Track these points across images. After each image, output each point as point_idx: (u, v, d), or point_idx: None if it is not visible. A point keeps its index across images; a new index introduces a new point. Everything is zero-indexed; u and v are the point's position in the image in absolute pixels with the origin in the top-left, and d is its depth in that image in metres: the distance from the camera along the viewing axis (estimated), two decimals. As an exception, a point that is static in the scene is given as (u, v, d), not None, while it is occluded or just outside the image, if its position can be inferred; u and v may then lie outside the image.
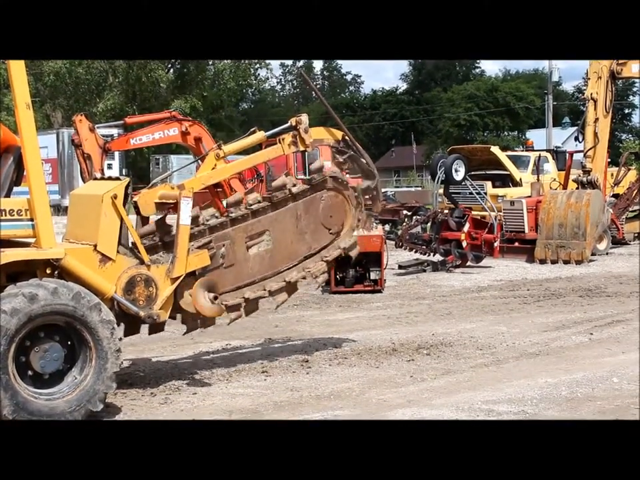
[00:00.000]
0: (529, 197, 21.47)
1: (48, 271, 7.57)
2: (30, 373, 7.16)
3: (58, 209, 30.01)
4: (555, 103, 58.07)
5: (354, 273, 15.19)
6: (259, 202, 9.21)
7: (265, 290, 9.28)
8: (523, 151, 30.87)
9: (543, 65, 75.33)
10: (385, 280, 15.55)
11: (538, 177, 23.80)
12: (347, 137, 10.05)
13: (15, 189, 8.21)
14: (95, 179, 10.55)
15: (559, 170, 24.86)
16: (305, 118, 9.59)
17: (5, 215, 7.42)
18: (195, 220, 8.77)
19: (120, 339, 7.57)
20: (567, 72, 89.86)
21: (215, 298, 8.61)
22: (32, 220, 7.50)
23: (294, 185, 9.38)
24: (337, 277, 15.09)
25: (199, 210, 8.96)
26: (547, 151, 28.60)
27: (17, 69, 7.34)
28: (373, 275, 15.22)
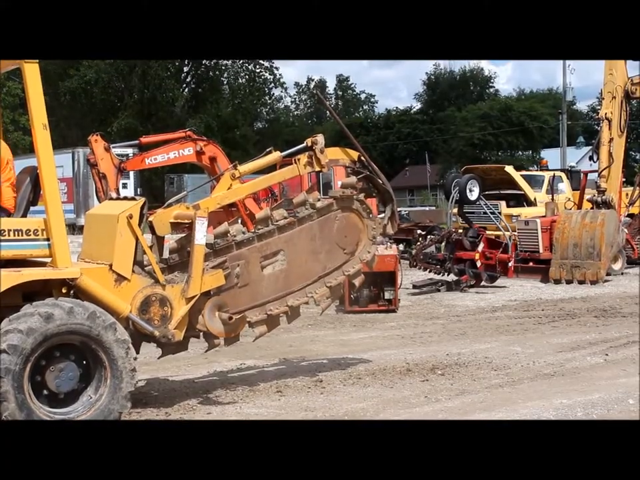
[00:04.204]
0: (544, 216, 21.45)
1: (64, 291, 7.60)
2: (45, 392, 7.20)
3: (73, 228, 30.13)
4: (569, 123, 58.16)
5: (368, 293, 15.17)
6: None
7: (307, 296, 9.44)
8: (537, 170, 30.81)
9: (557, 84, 75.23)
10: (399, 299, 15.54)
11: (552, 196, 23.77)
12: (362, 157, 10.04)
13: (32, 208, 8.26)
14: (111, 198, 10.59)
15: (573, 190, 24.81)
16: (320, 138, 9.59)
17: (22, 235, 7.46)
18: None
19: (135, 359, 7.59)
20: (581, 91, 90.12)
21: (230, 318, 8.62)
22: (48, 240, 7.54)
23: (284, 218, 9.35)
24: (351, 296, 15.07)
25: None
26: (562, 170, 28.57)
27: (32, 75, 7.40)
28: (387, 295, 15.20)
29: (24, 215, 8.07)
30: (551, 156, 51.44)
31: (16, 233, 7.46)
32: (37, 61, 7.49)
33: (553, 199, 23.38)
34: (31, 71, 7.45)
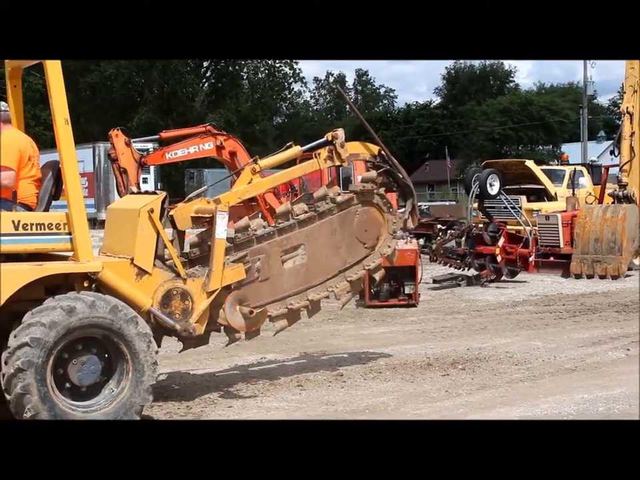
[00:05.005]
0: (564, 211, 21.35)
1: (85, 284, 7.62)
2: (68, 385, 7.23)
3: (94, 223, 30.25)
4: (590, 117, 57.81)
5: (388, 287, 15.16)
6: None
7: (327, 291, 9.46)
8: (557, 165, 30.67)
9: (577, 78, 74.86)
10: (419, 294, 15.54)
11: (573, 191, 23.65)
12: (383, 152, 10.04)
13: (54, 202, 8.31)
14: (132, 193, 10.62)
15: (594, 184, 24.69)
16: (341, 133, 9.58)
17: (44, 229, 7.51)
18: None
19: (156, 352, 7.61)
20: (602, 85, 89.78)
21: (250, 312, 8.64)
22: (70, 234, 7.57)
23: (304, 212, 9.35)
24: (372, 291, 15.08)
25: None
26: (582, 165, 28.43)
27: (54, 70, 7.45)
28: (407, 289, 15.20)
29: (46, 210, 8.12)
30: (571, 150, 51.19)
31: (38, 227, 7.50)
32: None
33: (573, 194, 23.25)
34: (53, 67, 7.48)
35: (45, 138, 42.91)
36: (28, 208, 7.98)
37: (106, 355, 7.41)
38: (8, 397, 7.01)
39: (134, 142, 14.31)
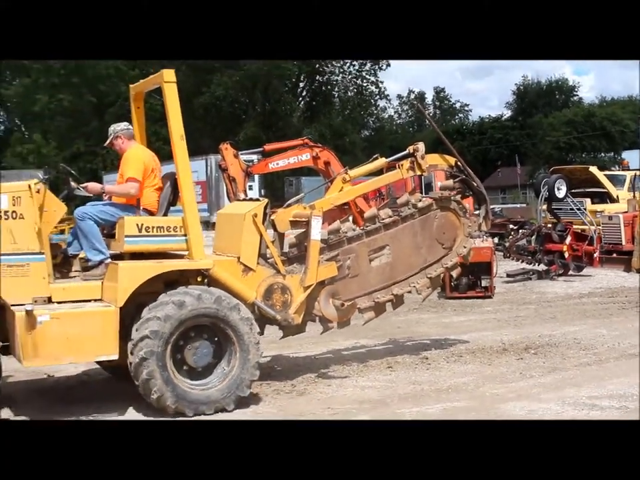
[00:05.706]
0: (626, 212, 20.82)
1: (199, 279, 7.76)
2: (185, 367, 7.39)
3: (207, 225, 30.60)
4: (648, 126, 56.33)
5: (467, 281, 15.10)
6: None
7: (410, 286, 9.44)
8: (619, 170, 29.95)
9: (636, 91, 72.99)
10: (494, 287, 15.39)
11: (634, 194, 23.06)
12: (459, 163, 10.00)
13: (171, 208, 8.43)
14: (239, 199, 10.74)
15: (653, 187, 24.03)
16: (421, 146, 9.58)
17: (163, 231, 7.66)
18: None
19: (259, 333, 7.73)
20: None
21: (342, 305, 8.67)
22: (185, 235, 7.70)
23: (389, 216, 9.30)
24: (452, 284, 14.98)
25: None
26: (642, 170, 27.69)
27: (171, 93, 7.57)
28: (483, 282, 15.13)
29: (165, 214, 8.25)
30: (631, 157, 49.66)
31: (158, 229, 7.67)
32: (175, 80, 7.64)
33: (634, 196, 22.68)
34: (170, 90, 7.65)
35: (164, 151, 43.57)
36: (150, 213, 8.12)
37: (215, 339, 7.54)
38: (136, 382, 7.23)
39: (241, 154, 14.37)
